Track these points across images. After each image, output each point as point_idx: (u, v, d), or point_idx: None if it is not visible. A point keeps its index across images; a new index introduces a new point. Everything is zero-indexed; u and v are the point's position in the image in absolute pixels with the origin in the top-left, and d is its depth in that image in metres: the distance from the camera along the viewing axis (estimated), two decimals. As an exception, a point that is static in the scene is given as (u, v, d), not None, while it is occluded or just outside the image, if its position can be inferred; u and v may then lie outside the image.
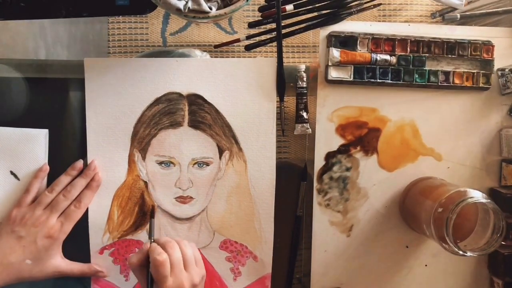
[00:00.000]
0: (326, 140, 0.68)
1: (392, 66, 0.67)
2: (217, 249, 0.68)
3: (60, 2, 0.62)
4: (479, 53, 0.68)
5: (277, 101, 0.66)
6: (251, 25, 0.67)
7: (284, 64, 0.65)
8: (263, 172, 0.67)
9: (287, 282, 0.72)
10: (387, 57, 0.67)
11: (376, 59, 0.66)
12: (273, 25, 0.65)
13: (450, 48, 0.68)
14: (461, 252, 0.59)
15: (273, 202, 0.67)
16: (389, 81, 0.67)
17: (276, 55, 0.65)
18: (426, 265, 0.72)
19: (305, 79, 0.67)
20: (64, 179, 0.63)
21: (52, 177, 0.63)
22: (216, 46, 0.71)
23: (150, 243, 0.57)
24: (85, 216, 0.64)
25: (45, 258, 0.60)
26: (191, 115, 0.65)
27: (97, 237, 0.65)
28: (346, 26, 0.67)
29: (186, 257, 0.57)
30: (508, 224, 0.61)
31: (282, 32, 0.64)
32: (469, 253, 0.59)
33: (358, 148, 0.68)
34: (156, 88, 0.65)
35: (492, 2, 0.76)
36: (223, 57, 0.76)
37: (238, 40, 0.69)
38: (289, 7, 0.65)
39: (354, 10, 0.66)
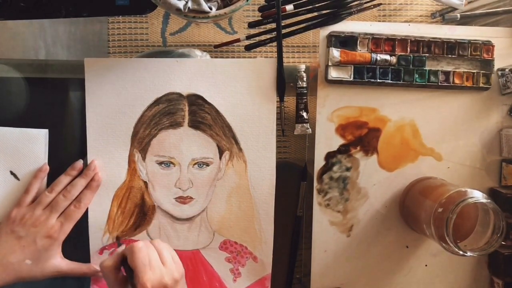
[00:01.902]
0: (326, 140, 0.68)
1: (392, 66, 0.67)
2: (216, 249, 0.68)
3: (60, 2, 0.62)
4: (479, 53, 0.68)
5: (277, 101, 0.66)
6: (251, 25, 0.67)
7: (284, 64, 0.65)
8: (263, 173, 0.67)
9: (287, 282, 0.72)
10: (387, 57, 0.67)
11: (376, 59, 0.66)
12: (273, 25, 0.65)
13: (450, 48, 0.68)
14: (461, 252, 0.59)
15: (273, 202, 0.67)
16: (389, 81, 0.67)
17: (276, 55, 0.65)
18: (426, 265, 0.72)
19: (305, 79, 0.67)
20: (64, 179, 0.63)
21: (52, 177, 0.63)
22: (216, 46, 0.71)
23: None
24: (85, 216, 0.64)
25: (45, 258, 0.60)
26: (191, 115, 0.65)
27: (97, 237, 0.65)
28: (346, 26, 0.67)
29: (162, 254, 0.57)
30: (508, 224, 0.61)
31: (282, 32, 0.64)
32: (469, 253, 0.59)
33: (358, 148, 0.68)
34: (156, 88, 0.65)
35: (492, 2, 0.76)
36: (223, 57, 0.76)
37: (238, 40, 0.69)
38: (289, 7, 0.65)
39: (354, 10, 0.66)
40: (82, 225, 0.64)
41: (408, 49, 0.67)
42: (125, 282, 0.56)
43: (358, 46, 0.66)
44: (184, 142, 0.65)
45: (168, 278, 0.54)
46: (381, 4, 0.69)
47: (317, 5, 0.66)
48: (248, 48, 0.68)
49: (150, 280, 0.53)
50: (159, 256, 0.56)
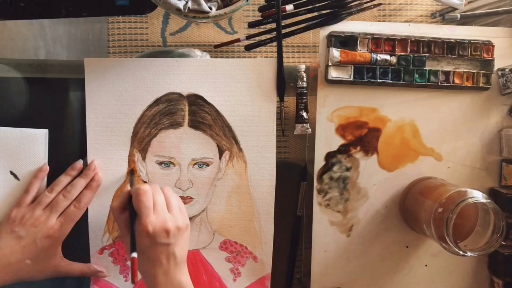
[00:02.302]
0: (326, 140, 0.68)
1: (392, 66, 0.67)
2: (217, 249, 0.68)
3: (60, 2, 0.62)
4: (479, 53, 0.68)
5: (277, 101, 0.66)
6: (251, 25, 0.67)
7: (284, 64, 0.65)
8: (263, 173, 0.67)
9: (287, 282, 0.72)
10: (387, 57, 0.67)
11: (376, 59, 0.66)
12: (273, 25, 0.65)
13: (450, 48, 0.68)
14: (461, 252, 0.59)
15: (273, 202, 0.67)
16: (389, 81, 0.67)
17: (276, 55, 0.65)
18: (426, 265, 0.72)
19: (305, 79, 0.67)
20: (64, 179, 0.63)
21: (52, 177, 0.63)
22: (216, 46, 0.71)
23: None
24: (85, 216, 0.64)
25: (45, 258, 0.60)
26: (191, 115, 0.65)
27: (97, 237, 0.65)
28: (346, 26, 0.67)
29: (170, 201, 0.56)
30: (508, 224, 0.61)
31: (282, 32, 0.64)
32: (469, 253, 0.59)
33: (358, 148, 0.68)
34: (156, 88, 0.65)
35: (492, 2, 0.76)
36: (223, 57, 0.76)
37: (238, 40, 0.69)
38: (289, 7, 0.65)
39: (354, 10, 0.66)
40: (82, 225, 0.64)
41: (408, 49, 0.67)
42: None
43: (358, 46, 0.66)
44: (184, 142, 0.65)
45: (172, 224, 0.54)
46: (381, 4, 0.69)
47: (317, 5, 0.66)
48: (248, 48, 0.68)
49: (152, 223, 0.53)
50: (166, 202, 0.56)
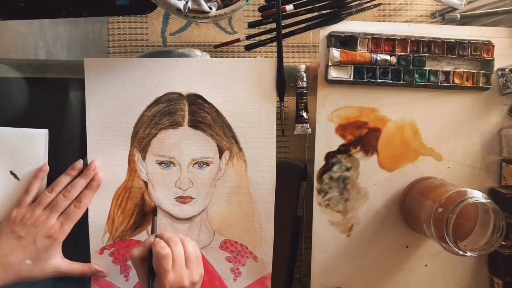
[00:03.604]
0: (326, 140, 0.68)
1: (392, 66, 0.67)
2: (217, 249, 0.68)
3: (60, 2, 0.62)
4: (479, 53, 0.68)
5: (277, 101, 0.66)
6: (251, 25, 0.67)
7: (284, 64, 0.65)
8: (263, 172, 0.67)
9: (287, 282, 0.72)
10: (387, 57, 0.67)
11: (376, 59, 0.66)
12: (273, 25, 0.65)
13: (450, 48, 0.68)
14: (461, 252, 0.59)
15: (273, 202, 0.67)
16: (389, 81, 0.67)
17: (276, 55, 0.65)
18: (426, 265, 0.72)
19: (305, 79, 0.67)
20: (64, 179, 0.63)
21: (52, 177, 0.63)
22: (216, 46, 0.71)
23: (154, 238, 0.58)
24: (85, 216, 0.64)
25: (45, 258, 0.60)
26: (191, 115, 0.65)
27: (97, 237, 0.65)
28: (346, 26, 0.67)
29: (188, 254, 0.58)
30: (508, 224, 0.61)
31: (282, 32, 0.64)
32: (469, 253, 0.59)
33: (358, 148, 0.68)
34: (156, 88, 0.65)
35: (492, 2, 0.76)
36: (223, 57, 0.76)
37: (238, 40, 0.69)
38: (289, 7, 0.65)
39: (354, 10, 0.66)
40: (82, 225, 0.64)
41: (408, 49, 0.67)
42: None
43: (358, 46, 0.66)
44: (184, 142, 0.65)
45: (188, 281, 0.56)
46: (381, 4, 0.69)
47: (317, 5, 0.66)
48: (248, 48, 0.68)
49: (170, 283, 0.55)
50: (185, 255, 0.57)
